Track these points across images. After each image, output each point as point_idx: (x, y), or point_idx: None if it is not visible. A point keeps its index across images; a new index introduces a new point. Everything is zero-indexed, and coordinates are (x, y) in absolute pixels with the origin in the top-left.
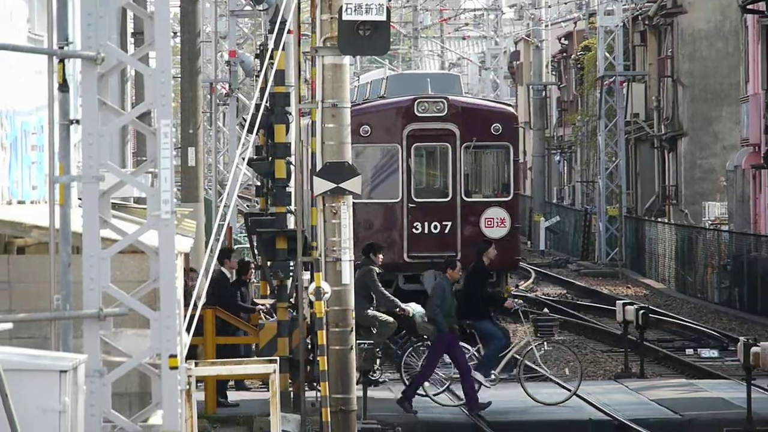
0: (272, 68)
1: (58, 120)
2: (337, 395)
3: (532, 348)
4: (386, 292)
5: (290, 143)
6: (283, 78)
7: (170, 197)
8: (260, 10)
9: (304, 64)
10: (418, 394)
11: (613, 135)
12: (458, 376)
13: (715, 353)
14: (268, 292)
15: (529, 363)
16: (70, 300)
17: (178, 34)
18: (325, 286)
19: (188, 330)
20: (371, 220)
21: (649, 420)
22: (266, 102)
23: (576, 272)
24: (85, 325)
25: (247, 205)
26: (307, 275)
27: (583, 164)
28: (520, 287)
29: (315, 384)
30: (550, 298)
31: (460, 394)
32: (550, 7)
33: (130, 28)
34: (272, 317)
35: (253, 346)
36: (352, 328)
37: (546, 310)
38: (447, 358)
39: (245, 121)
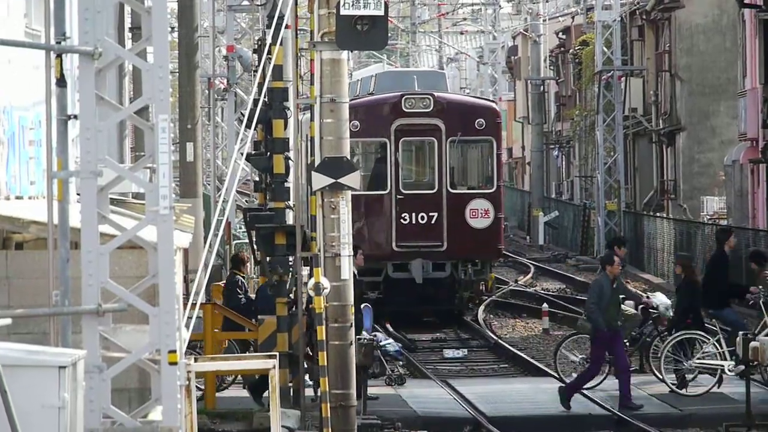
0: (270, 63)
1: (55, 115)
2: (336, 391)
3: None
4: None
5: (288, 138)
6: (281, 73)
7: (169, 192)
8: (258, 5)
9: (301, 59)
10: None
11: (611, 130)
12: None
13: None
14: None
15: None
16: (68, 296)
17: (176, 29)
18: (324, 282)
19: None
20: (361, 211)
21: (649, 415)
22: (264, 97)
23: (575, 267)
24: (84, 320)
25: (246, 201)
26: (306, 270)
27: (581, 159)
28: (519, 282)
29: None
30: (549, 293)
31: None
32: (547, 1)
33: (127, 23)
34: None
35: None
36: (351, 323)
37: None
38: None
39: (243, 116)
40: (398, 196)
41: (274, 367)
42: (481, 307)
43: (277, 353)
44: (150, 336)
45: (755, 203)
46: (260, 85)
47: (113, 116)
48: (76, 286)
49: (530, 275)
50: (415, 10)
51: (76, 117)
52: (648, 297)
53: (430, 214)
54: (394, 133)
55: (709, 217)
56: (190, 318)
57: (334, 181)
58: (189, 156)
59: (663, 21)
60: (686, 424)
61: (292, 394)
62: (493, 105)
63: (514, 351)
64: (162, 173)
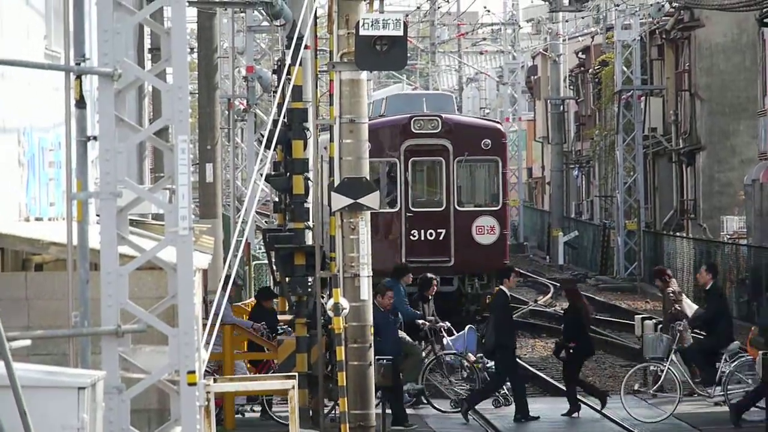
0: (290, 84)
1: (75, 136)
2: (355, 411)
3: None
4: None
5: (308, 159)
6: (301, 93)
7: (188, 213)
8: (277, 26)
9: (320, 79)
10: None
11: (631, 149)
12: None
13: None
14: (287, 307)
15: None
16: (88, 317)
17: (195, 49)
18: (344, 302)
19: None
20: (373, 228)
21: None
22: (284, 118)
23: (595, 287)
24: (104, 341)
25: (265, 221)
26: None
27: (601, 179)
28: (538, 302)
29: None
30: None
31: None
32: (567, 21)
33: (147, 44)
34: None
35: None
36: (370, 344)
37: None
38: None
39: (263, 136)
40: (408, 214)
41: (293, 388)
42: None
43: (296, 374)
44: (169, 357)
45: None
46: (280, 106)
47: (132, 137)
48: (95, 307)
49: (549, 295)
50: (434, 30)
51: (95, 138)
52: None
53: (439, 230)
54: (404, 153)
55: (729, 236)
56: (209, 338)
57: (353, 201)
58: (209, 177)
59: (683, 40)
60: None
61: (311, 414)
62: (499, 126)
63: (533, 371)
64: (181, 194)
